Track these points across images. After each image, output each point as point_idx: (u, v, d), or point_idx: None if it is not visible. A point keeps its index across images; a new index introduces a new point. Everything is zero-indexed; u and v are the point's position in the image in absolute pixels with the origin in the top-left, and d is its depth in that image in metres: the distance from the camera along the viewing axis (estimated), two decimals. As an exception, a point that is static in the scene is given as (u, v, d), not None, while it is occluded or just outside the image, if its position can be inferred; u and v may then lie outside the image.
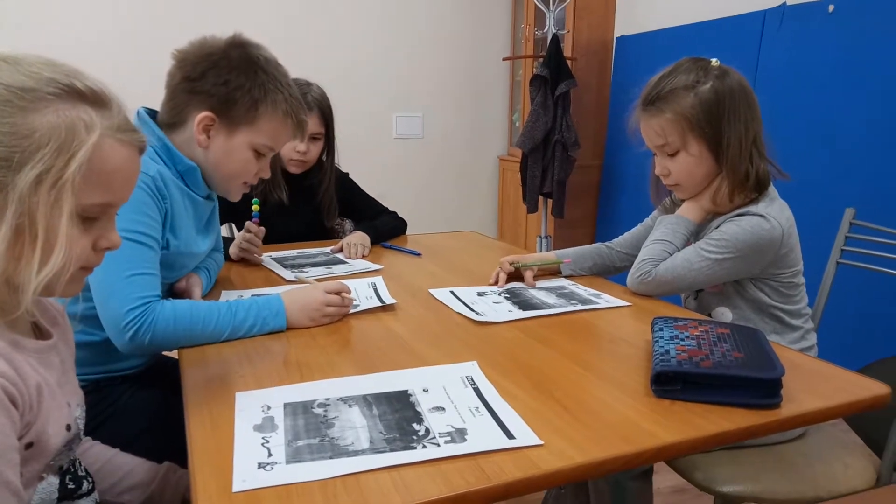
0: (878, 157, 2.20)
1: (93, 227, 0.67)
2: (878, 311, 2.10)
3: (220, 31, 1.17)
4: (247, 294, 1.26)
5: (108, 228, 0.69)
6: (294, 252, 1.67)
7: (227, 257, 1.52)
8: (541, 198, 3.47)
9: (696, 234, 1.26)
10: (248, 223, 1.54)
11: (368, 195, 1.96)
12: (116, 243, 0.70)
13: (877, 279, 1.35)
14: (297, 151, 1.74)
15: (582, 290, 1.31)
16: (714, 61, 1.21)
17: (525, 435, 0.71)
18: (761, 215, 1.14)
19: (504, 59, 3.92)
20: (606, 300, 1.23)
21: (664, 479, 1.91)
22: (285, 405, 0.79)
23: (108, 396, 1.09)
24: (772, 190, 1.21)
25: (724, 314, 1.21)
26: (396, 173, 3.99)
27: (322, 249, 1.70)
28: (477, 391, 0.82)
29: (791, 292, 1.19)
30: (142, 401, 1.11)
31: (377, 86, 3.86)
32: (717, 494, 1.08)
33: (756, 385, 0.77)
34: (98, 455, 0.89)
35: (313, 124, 1.73)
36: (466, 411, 0.77)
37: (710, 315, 1.24)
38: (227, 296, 1.26)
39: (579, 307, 1.19)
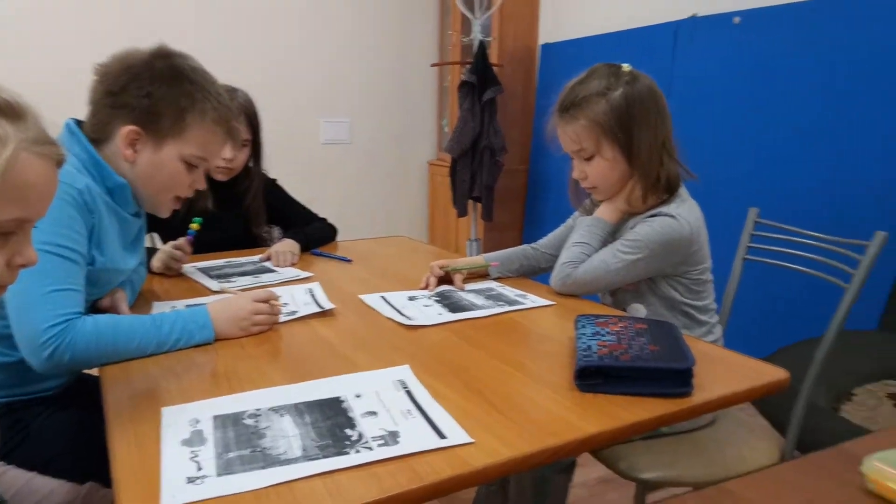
0: (780, 159, 2.37)
1: (7, 243, 0.65)
2: (781, 302, 2.25)
3: (138, 38, 1.15)
4: (180, 305, 1.23)
5: (23, 245, 0.66)
6: (220, 262, 1.63)
7: (147, 269, 1.47)
8: (470, 202, 3.52)
9: (613, 233, 1.32)
10: (182, 241, 1.50)
11: (297, 202, 1.94)
12: (32, 260, 0.67)
13: (780, 273, 1.46)
14: (223, 159, 1.71)
15: (509, 291, 1.35)
16: (625, 66, 1.27)
17: (456, 434, 0.73)
18: (672, 216, 1.21)
19: (432, 66, 3.96)
20: (532, 300, 1.27)
21: (591, 470, 1.98)
22: (214, 418, 0.78)
23: (23, 419, 1.04)
24: (682, 191, 1.28)
25: (639, 310, 1.27)
26: (325, 179, 3.95)
27: (250, 258, 1.67)
28: (409, 394, 0.84)
29: (699, 289, 1.26)
30: (60, 422, 1.06)
31: (304, 91, 3.82)
32: (638, 481, 1.14)
33: (670, 376, 0.83)
34: (13, 480, 0.85)
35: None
36: (399, 414, 0.78)
37: (625, 311, 1.30)
38: (161, 307, 1.22)
39: (507, 308, 1.22)
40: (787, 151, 2.34)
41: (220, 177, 1.75)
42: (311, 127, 3.91)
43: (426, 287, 1.36)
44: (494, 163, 3.38)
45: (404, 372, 0.91)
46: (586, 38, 3.27)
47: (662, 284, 1.26)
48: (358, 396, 0.83)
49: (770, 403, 1.66)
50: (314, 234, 1.80)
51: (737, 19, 2.47)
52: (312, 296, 1.29)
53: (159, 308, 1.21)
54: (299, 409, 0.80)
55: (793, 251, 1.42)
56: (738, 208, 1.58)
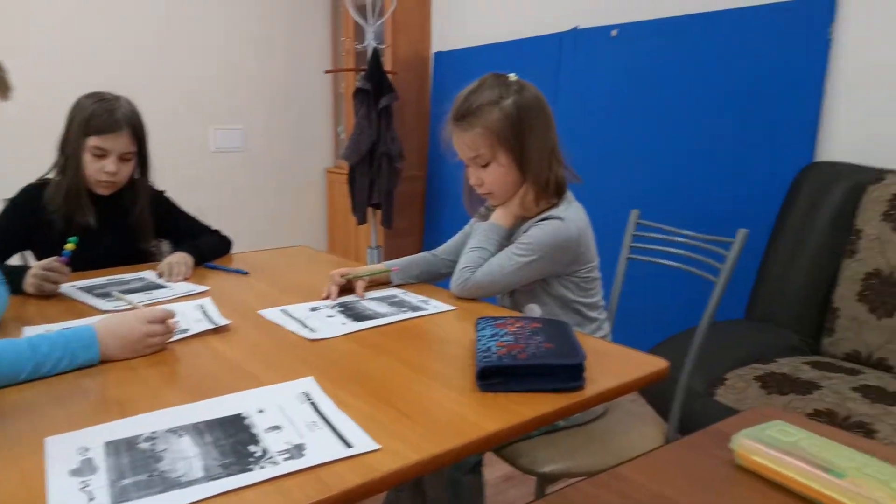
0: (658, 163, 2.55)
1: None
2: (663, 297, 2.43)
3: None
4: (56, 328, 1.14)
5: None
6: (103, 279, 1.54)
7: (17, 290, 1.36)
8: (369, 209, 3.52)
9: (508, 237, 1.38)
10: (53, 261, 1.39)
11: (188, 214, 1.86)
12: None
13: (660, 270, 1.58)
14: (105, 172, 1.60)
15: (412, 297, 1.37)
16: (512, 76, 1.33)
17: (363, 442, 0.74)
18: (560, 218, 1.28)
19: (326, 72, 3.93)
20: (435, 305, 1.30)
21: (494, 469, 2.04)
22: (106, 444, 0.74)
23: None
24: (569, 194, 1.36)
25: (534, 310, 1.34)
26: (217, 189, 3.81)
27: (136, 274, 1.59)
28: (314, 406, 0.84)
29: (589, 286, 1.34)
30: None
31: (192, 97, 3.66)
32: (538, 475, 1.19)
33: (564, 371, 0.88)
34: None
35: (124, 143, 1.61)
36: (304, 427, 0.78)
37: (521, 312, 1.36)
38: (33, 332, 1.13)
39: (410, 314, 1.25)
40: (664, 156, 2.53)
41: (102, 191, 1.65)
42: (200, 135, 3.75)
43: (328, 297, 1.35)
44: (393, 169, 3.40)
45: (308, 384, 0.90)
46: (477, 47, 3.37)
47: (555, 284, 1.33)
48: (261, 412, 0.82)
49: (654, 392, 1.79)
50: (207, 247, 1.73)
51: (614, 32, 2.64)
52: (204, 312, 1.25)
53: (31, 332, 1.12)
54: (199, 429, 0.78)
55: (670, 249, 1.54)
56: (622, 210, 1.69)
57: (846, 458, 0.66)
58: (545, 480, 1.32)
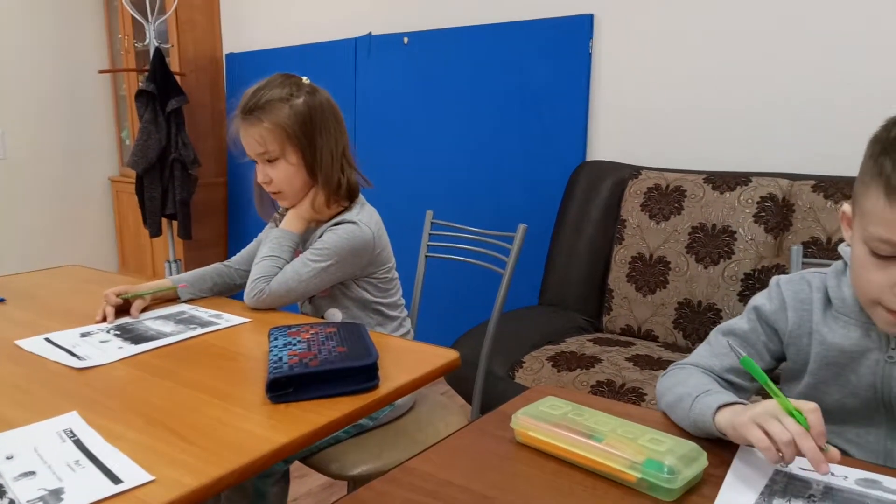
0: (449, 165, 2.68)
1: None
2: (462, 292, 2.56)
3: None
4: None
5: None
6: None
7: None
8: (164, 220, 3.26)
9: (303, 243, 1.35)
10: None
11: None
12: None
13: (456, 266, 1.65)
14: None
15: (203, 312, 1.28)
16: (304, 79, 1.32)
17: (133, 475, 0.67)
18: (354, 222, 1.28)
19: (100, 72, 3.54)
20: (228, 319, 1.23)
21: (316, 479, 2.00)
22: None
23: None
24: (361, 198, 1.37)
25: (335, 315, 1.33)
26: (-30, 205, 3.28)
27: None
28: (77, 443, 0.75)
29: (388, 287, 1.37)
30: None
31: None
32: (348, 479, 1.19)
33: (356, 373, 0.88)
34: None
35: None
36: (64, 468, 0.69)
37: (323, 317, 1.35)
38: None
39: (199, 331, 1.17)
40: (456, 158, 2.66)
41: None
42: (-57, 142, 3.20)
43: (103, 319, 1.22)
44: (187, 176, 3.18)
45: (71, 420, 0.80)
46: (272, 50, 3.27)
47: (354, 287, 1.33)
48: (9, 458, 0.71)
49: (461, 381, 1.88)
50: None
51: (406, 39, 2.72)
52: None
53: None
54: (-77, 491, 0.65)
55: (464, 246, 1.62)
56: (419, 211, 1.75)
57: (604, 423, 0.74)
58: (357, 484, 1.32)
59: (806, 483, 0.66)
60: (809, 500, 0.62)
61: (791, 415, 0.65)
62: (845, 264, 0.83)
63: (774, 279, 0.90)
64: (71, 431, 0.78)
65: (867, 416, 0.83)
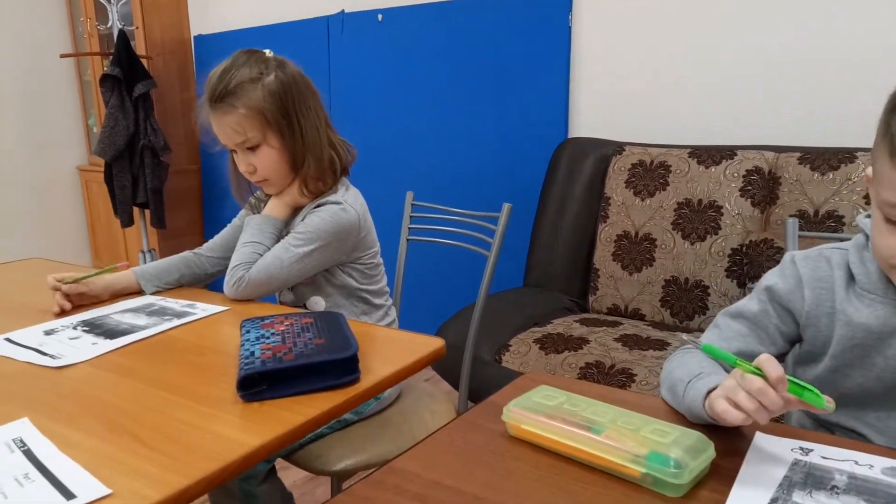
0: (429, 144, 2.61)
1: None
2: (447, 275, 2.50)
3: None
4: None
5: None
6: None
7: None
8: (136, 209, 3.16)
9: (285, 228, 1.27)
10: None
11: None
12: None
13: (441, 250, 1.59)
14: None
15: (174, 303, 1.21)
16: (268, 52, 1.23)
17: (88, 489, 0.61)
18: (339, 203, 1.21)
19: (61, 56, 3.39)
20: (203, 309, 1.16)
21: (299, 471, 1.94)
22: None
23: None
24: (345, 180, 1.30)
25: (318, 303, 1.26)
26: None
27: None
28: (28, 454, 0.68)
29: (373, 273, 1.30)
30: None
31: None
32: (331, 474, 1.13)
33: (335, 366, 0.82)
34: None
35: None
36: (11, 482, 0.63)
37: (305, 306, 1.28)
38: None
39: (175, 322, 1.10)
40: (435, 138, 2.59)
41: None
42: None
43: (61, 312, 1.14)
44: (158, 163, 3.07)
45: (21, 428, 0.73)
46: (243, 30, 3.15)
47: (338, 273, 1.26)
48: (-49, 474, 0.65)
49: (448, 367, 1.82)
50: None
51: (380, 16, 2.63)
52: None
53: None
54: None
55: (446, 228, 1.56)
56: (398, 193, 1.68)
57: (602, 413, 0.69)
58: (340, 479, 1.27)
59: (828, 473, 0.61)
60: (832, 491, 0.57)
61: (753, 374, 0.62)
62: (866, 237, 0.78)
63: (788, 255, 0.84)
64: (21, 440, 0.71)
65: (890, 400, 0.78)
